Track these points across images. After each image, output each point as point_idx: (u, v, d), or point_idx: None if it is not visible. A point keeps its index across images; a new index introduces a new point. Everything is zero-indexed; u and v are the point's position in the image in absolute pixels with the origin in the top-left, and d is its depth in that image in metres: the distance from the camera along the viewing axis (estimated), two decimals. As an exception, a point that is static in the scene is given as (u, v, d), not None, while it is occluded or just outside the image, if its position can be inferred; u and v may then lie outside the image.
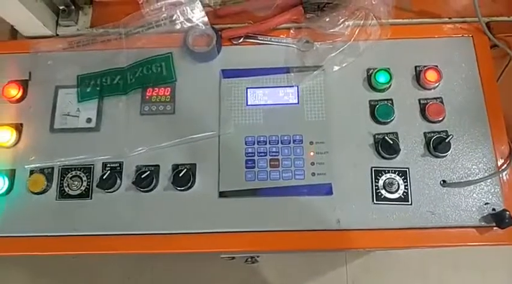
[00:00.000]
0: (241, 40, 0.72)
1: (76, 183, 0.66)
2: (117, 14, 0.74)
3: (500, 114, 0.67)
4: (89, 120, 0.69)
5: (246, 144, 0.67)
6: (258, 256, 0.92)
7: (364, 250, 0.71)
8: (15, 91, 0.70)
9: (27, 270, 1.43)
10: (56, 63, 0.73)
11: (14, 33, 0.78)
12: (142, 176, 0.63)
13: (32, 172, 0.66)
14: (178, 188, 0.64)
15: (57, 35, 0.77)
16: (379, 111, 0.67)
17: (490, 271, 1.34)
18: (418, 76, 0.69)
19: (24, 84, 0.72)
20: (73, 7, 0.77)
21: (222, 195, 0.64)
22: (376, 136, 0.66)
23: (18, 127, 0.69)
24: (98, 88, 0.70)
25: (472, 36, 0.72)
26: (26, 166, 0.67)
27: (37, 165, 0.67)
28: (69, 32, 0.77)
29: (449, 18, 0.74)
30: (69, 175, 0.66)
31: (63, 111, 0.70)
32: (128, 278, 1.42)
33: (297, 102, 0.69)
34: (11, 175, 0.67)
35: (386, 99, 0.68)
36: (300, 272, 1.39)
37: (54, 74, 0.72)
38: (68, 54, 0.73)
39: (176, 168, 0.65)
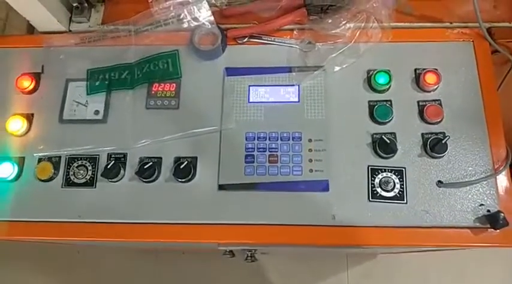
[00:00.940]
0: (245, 40, 0.74)
1: (82, 171, 0.68)
2: (128, 12, 0.76)
3: (499, 118, 0.68)
4: (96, 112, 0.71)
5: (246, 139, 0.68)
6: (255, 250, 0.93)
7: (359, 247, 0.71)
8: (27, 83, 0.73)
9: (30, 262, 1.45)
10: (67, 58, 0.75)
11: (30, 29, 0.81)
12: (145, 167, 0.65)
13: (40, 160, 0.69)
14: (179, 180, 0.65)
15: (70, 30, 0.80)
16: (378, 112, 0.67)
17: (492, 280, 1.33)
18: (417, 78, 0.70)
19: (36, 77, 0.74)
20: (86, 4, 0.80)
21: (221, 187, 0.66)
22: (374, 135, 0.67)
23: (29, 117, 0.72)
24: (106, 82, 0.72)
25: (472, 41, 0.72)
26: (34, 155, 0.69)
27: (45, 154, 0.69)
28: (82, 28, 0.79)
29: (451, 23, 0.75)
30: (75, 164, 0.69)
31: (73, 103, 0.72)
32: (128, 275, 1.44)
33: (297, 100, 0.70)
34: (21, 162, 0.69)
35: (386, 100, 0.69)
36: (301, 276, 1.39)
37: (65, 68, 0.75)
38: (79, 49, 0.76)
39: (178, 160, 0.67)
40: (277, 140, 0.68)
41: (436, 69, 0.69)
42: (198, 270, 1.41)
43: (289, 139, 0.68)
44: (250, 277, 1.39)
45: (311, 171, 0.66)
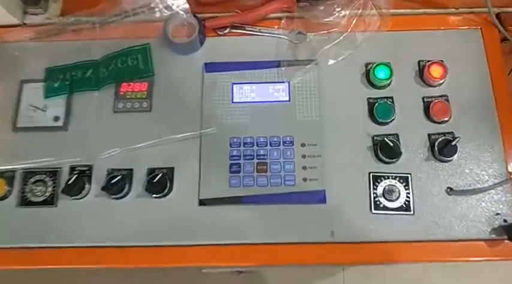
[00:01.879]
0: (227, 30, 0.70)
1: (40, 188, 0.62)
2: (91, 1, 0.71)
3: (512, 113, 0.64)
4: (56, 119, 0.66)
5: (230, 145, 0.64)
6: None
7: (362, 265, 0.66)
8: (-26, 86, 0.65)
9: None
10: (21, 55, 0.70)
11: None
12: (113, 181, 0.59)
13: (-9, 176, 0.63)
14: (153, 195, 0.60)
15: (25, 23, 0.73)
16: (379, 110, 0.64)
17: (491, 280, 1.33)
18: (421, 71, 0.66)
19: (-15, 78, 0.68)
20: (42, -7, 0.73)
21: (202, 203, 0.61)
22: (375, 137, 0.63)
23: (-23, 126, 0.65)
24: (67, 83, 0.68)
25: (480, 29, 0.69)
26: (-16, 169, 0.63)
27: (-3, 168, 0.63)
28: (38, 21, 0.73)
29: (456, 8, 0.71)
30: (33, 180, 0.62)
31: (28, 108, 0.66)
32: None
33: (288, 99, 0.66)
34: (-32, 179, 0.63)
35: (387, 97, 0.65)
36: (296, 275, 1.37)
37: (19, 67, 0.69)
38: (35, 45, 0.71)
39: (152, 172, 0.62)
40: (266, 146, 0.63)
41: (442, 61, 0.66)
42: (189, 281, 1.37)
43: (279, 145, 0.63)
44: (246, 279, 1.35)
45: (305, 180, 0.61)
